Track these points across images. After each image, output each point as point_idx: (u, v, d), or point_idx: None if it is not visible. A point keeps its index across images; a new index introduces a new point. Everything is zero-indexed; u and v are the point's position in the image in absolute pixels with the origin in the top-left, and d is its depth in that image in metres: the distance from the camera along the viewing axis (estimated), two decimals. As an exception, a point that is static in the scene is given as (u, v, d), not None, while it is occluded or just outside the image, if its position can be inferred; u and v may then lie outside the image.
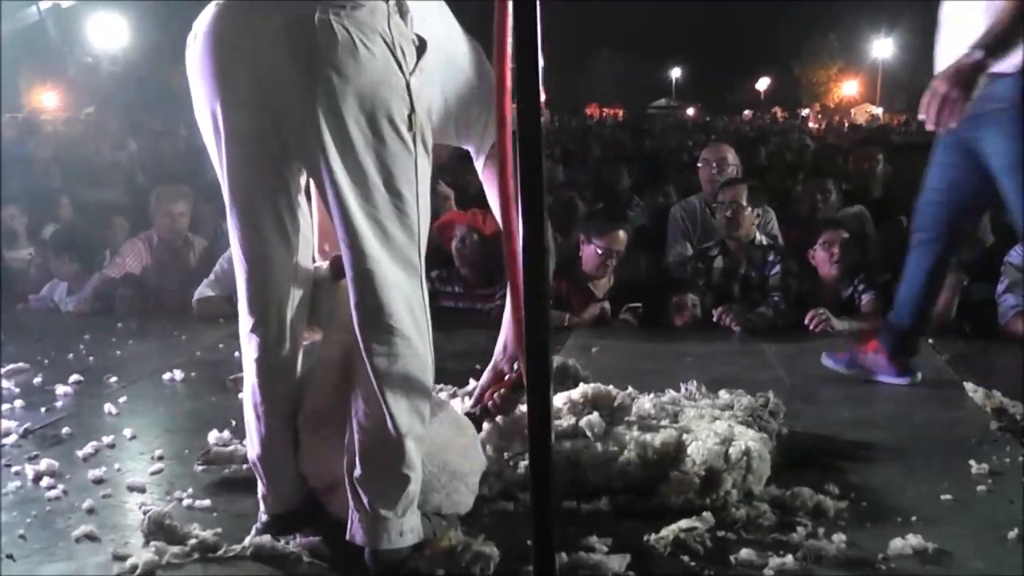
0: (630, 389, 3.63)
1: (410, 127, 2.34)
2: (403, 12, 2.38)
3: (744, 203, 5.47)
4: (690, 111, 54.20)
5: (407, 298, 2.41)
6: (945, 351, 4.76)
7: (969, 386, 4.05)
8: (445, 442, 2.75)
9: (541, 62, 1.97)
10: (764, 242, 5.61)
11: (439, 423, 2.74)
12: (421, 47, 2.39)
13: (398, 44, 2.32)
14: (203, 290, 5.72)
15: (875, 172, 6.93)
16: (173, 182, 6.76)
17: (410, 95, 2.33)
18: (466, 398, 3.32)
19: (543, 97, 2.01)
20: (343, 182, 2.31)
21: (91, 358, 4.85)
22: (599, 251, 5.38)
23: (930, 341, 4.91)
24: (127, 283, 6.04)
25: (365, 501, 2.45)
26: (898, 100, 53.17)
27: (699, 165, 6.38)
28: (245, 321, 2.60)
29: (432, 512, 2.66)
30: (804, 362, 4.59)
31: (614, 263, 5.46)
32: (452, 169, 7.23)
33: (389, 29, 2.31)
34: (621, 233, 5.47)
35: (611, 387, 3.37)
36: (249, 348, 2.62)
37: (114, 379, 4.41)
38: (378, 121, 2.30)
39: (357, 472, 2.46)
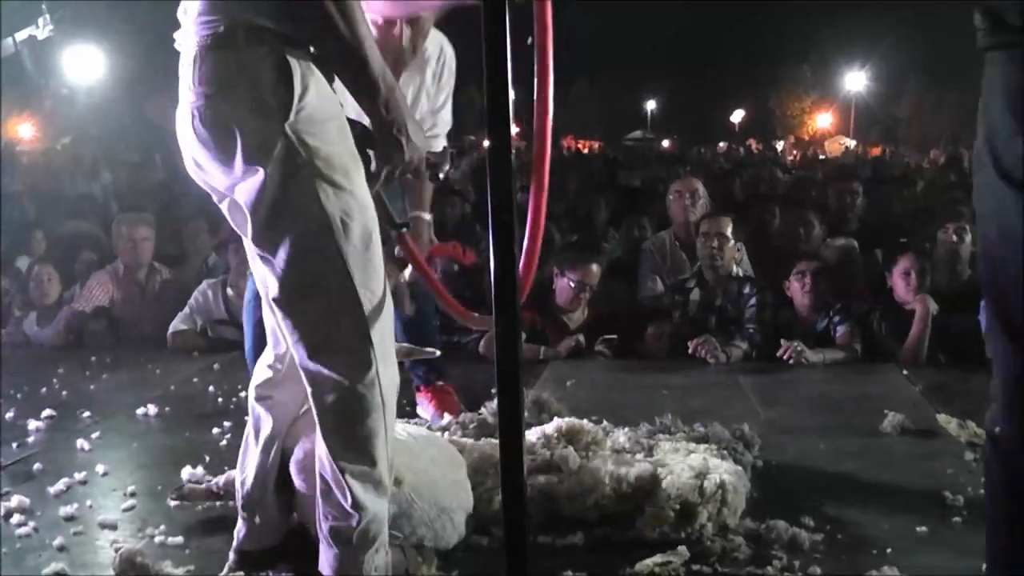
0: (605, 423, 3.64)
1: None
2: None
3: (728, 234, 5.51)
4: (665, 143, 54.43)
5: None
6: (919, 382, 4.78)
7: (943, 417, 4.07)
8: (437, 477, 2.75)
9: (513, 95, 1.98)
10: (740, 274, 5.64)
11: (431, 459, 2.74)
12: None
13: None
14: (177, 324, 5.70)
15: (855, 205, 6.99)
16: (145, 211, 6.75)
17: None
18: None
19: (517, 129, 2.01)
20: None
21: (64, 392, 4.81)
22: (572, 284, 5.38)
23: (904, 372, 4.94)
24: (98, 316, 6.00)
25: (325, 538, 2.45)
26: (872, 132, 53.62)
27: (670, 197, 6.40)
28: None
29: (416, 544, 2.65)
30: (779, 394, 4.61)
31: (587, 296, 5.47)
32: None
33: None
34: (594, 267, 5.49)
35: (585, 421, 3.38)
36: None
37: (87, 414, 4.38)
38: None
39: (318, 509, 2.46)
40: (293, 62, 2.29)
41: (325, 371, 2.36)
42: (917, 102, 52.04)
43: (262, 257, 2.38)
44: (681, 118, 68.65)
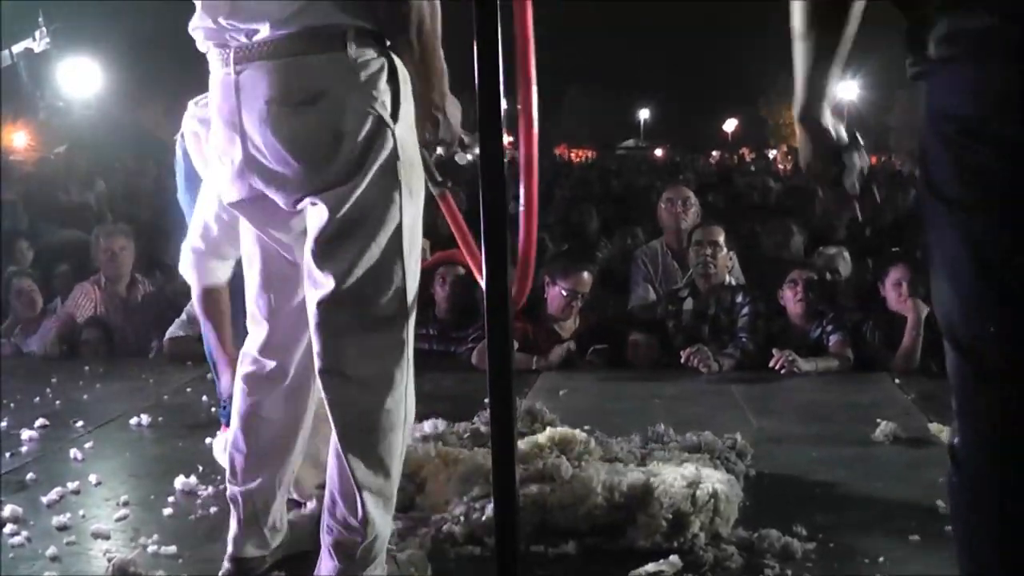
0: (597, 432, 3.64)
1: None
2: None
3: (722, 243, 5.52)
4: (658, 151, 54.49)
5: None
6: (912, 390, 4.79)
7: (935, 426, 4.07)
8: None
9: (505, 105, 1.99)
10: (733, 283, 5.65)
11: None
12: None
13: None
14: (174, 330, 5.68)
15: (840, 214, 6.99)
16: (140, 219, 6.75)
17: None
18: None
19: (509, 139, 2.02)
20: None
21: (57, 402, 4.81)
22: (564, 293, 5.38)
23: (896, 381, 4.95)
24: (91, 325, 5.99)
25: (328, 549, 2.45)
26: (864, 141, 53.71)
27: (662, 205, 6.41)
28: None
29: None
30: (772, 403, 4.62)
31: (579, 305, 5.45)
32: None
33: None
34: (586, 275, 5.47)
35: (578, 431, 3.38)
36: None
37: (80, 423, 4.37)
38: None
39: (323, 521, 2.46)
40: (398, 64, 2.33)
41: (355, 384, 2.35)
42: (908, 111, 52.18)
43: (321, 260, 2.35)
44: (674, 127, 68.76)
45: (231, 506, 2.71)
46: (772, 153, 47.49)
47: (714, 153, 49.91)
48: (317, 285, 2.36)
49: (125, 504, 3.35)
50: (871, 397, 4.70)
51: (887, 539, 2.97)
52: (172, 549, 2.94)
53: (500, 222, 1.99)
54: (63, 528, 3.12)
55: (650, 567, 2.70)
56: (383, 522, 2.43)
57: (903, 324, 5.27)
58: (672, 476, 3.06)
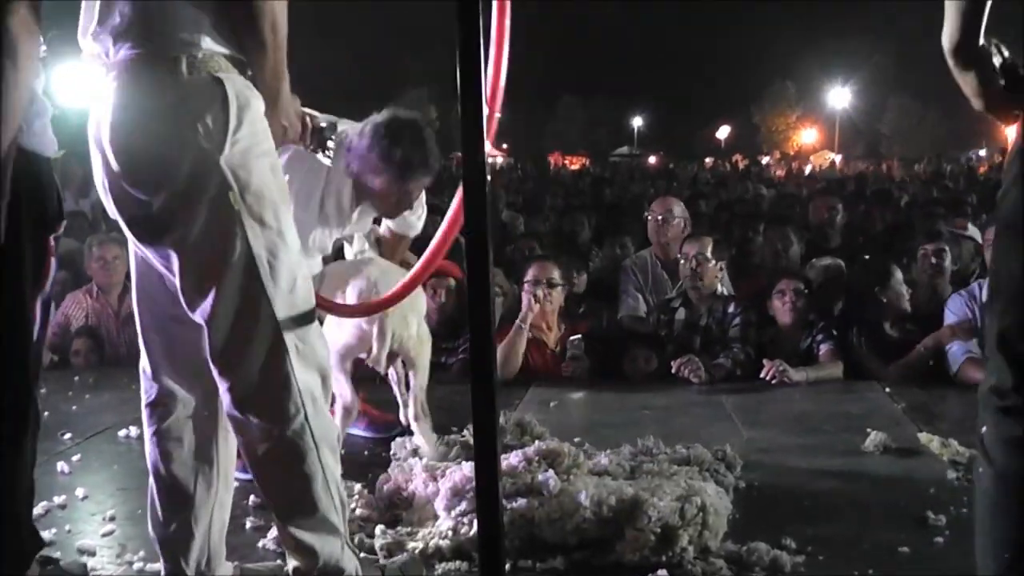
0: (587, 445, 3.62)
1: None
2: None
3: (709, 255, 5.51)
4: (652, 159, 54.57)
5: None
6: (902, 400, 4.78)
7: (924, 436, 4.07)
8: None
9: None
10: (724, 293, 5.65)
11: None
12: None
13: None
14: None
15: (834, 221, 7.01)
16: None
17: None
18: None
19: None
20: None
21: (46, 413, 4.75)
22: (527, 285, 5.31)
23: (887, 390, 4.95)
24: (81, 335, 5.96)
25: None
26: (856, 147, 53.92)
27: (649, 218, 6.41)
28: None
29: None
30: (762, 414, 4.61)
31: (549, 296, 5.28)
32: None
33: None
34: (547, 264, 5.40)
35: (567, 444, 3.37)
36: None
37: (68, 435, 4.35)
38: None
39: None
40: (231, 92, 2.26)
41: (254, 420, 2.32)
42: (900, 118, 52.36)
43: (187, 303, 2.33)
44: (667, 134, 68.94)
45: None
46: (765, 159, 47.65)
47: (707, 160, 49.97)
48: (197, 329, 2.36)
49: (112, 519, 3.33)
50: (861, 407, 4.69)
51: (876, 551, 2.96)
52: (158, 567, 2.90)
53: (482, 233, 1.95)
54: (49, 543, 3.09)
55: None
56: (328, 545, 2.41)
57: (894, 333, 5.30)
58: (661, 490, 3.05)
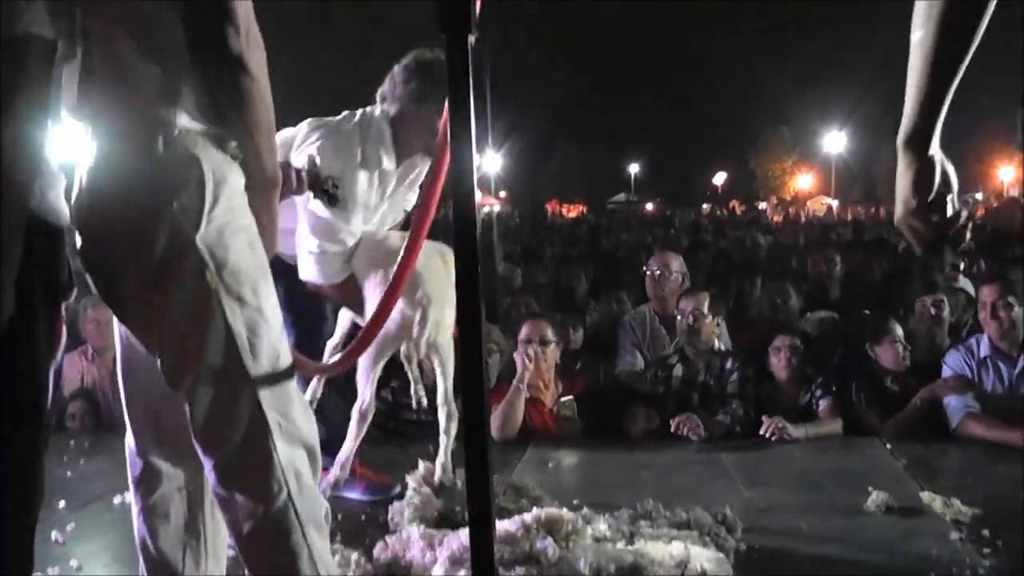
0: (585, 510, 3.59)
1: None
2: None
3: (706, 311, 5.51)
4: (649, 206, 54.83)
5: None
6: (902, 456, 4.75)
7: (927, 495, 4.04)
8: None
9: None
10: (722, 348, 5.64)
11: None
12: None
13: None
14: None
15: (833, 273, 7.02)
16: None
17: None
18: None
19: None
20: None
21: (40, 480, 4.73)
22: (520, 345, 5.30)
23: (887, 446, 4.92)
24: (76, 398, 5.91)
25: None
26: (851, 192, 54.15)
27: (647, 273, 6.41)
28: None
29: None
30: (762, 472, 4.58)
31: (543, 354, 5.27)
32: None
33: None
34: (540, 322, 5.40)
35: (564, 510, 3.34)
36: None
37: (63, 503, 4.30)
38: None
39: None
40: (207, 169, 2.24)
41: (237, 497, 2.29)
42: (894, 162, 52.58)
43: (167, 375, 2.32)
44: (664, 180, 69.31)
45: None
46: (762, 205, 47.85)
47: (704, 206, 50.19)
48: (181, 404, 2.34)
49: (106, 591, 3.30)
50: (862, 464, 4.66)
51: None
52: (152, 640, 2.88)
53: (472, 279, 1.90)
54: (42, 617, 3.07)
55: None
56: None
57: (892, 388, 5.28)
58: (660, 555, 3.03)
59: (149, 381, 2.46)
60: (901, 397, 5.30)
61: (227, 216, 2.27)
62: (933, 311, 5.67)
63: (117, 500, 4.35)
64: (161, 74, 2.25)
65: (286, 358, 2.38)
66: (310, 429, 2.40)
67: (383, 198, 3.88)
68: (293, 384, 2.40)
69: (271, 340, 2.32)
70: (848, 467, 4.62)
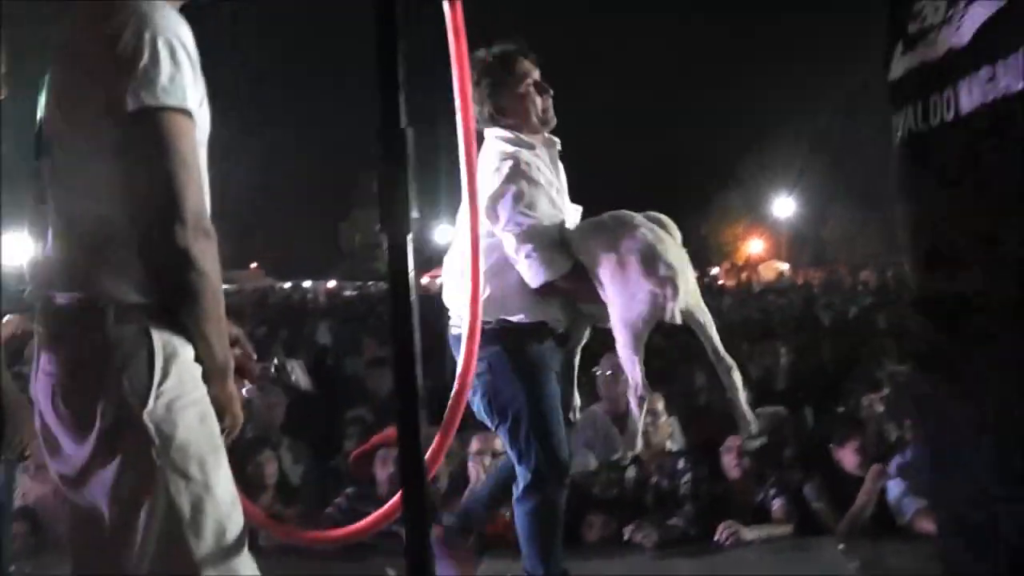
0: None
1: None
2: None
3: (661, 410, 5.50)
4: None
5: None
6: (856, 556, 4.73)
7: (879, 600, 4.03)
8: None
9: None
10: (673, 449, 5.62)
11: None
12: None
13: None
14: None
15: (778, 366, 7.04)
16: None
17: None
18: None
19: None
20: None
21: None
22: (471, 456, 5.26)
23: (840, 546, 4.90)
24: (18, 518, 5.73)
25: None
26: (803, 255, 54.68)
27: (596, 373, 6.38)
28: None
29: None
30: (718, 579, 4.55)
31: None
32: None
33: None
34: (487, 434, 5.26)
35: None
36: None
37: (1, 641, 4.18)
38: None
39: None
40: (157, 344, 2.24)
41: None
42: (842, 226, 53.28)
43: (111, 544, 2.27)
44: (617, 248, 69.57)
45: None
46: (715, 271, 48.21)
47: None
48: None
49: None
50: (815, 567, 4.64)
51: None
52: None
53: (413, 401, 1.83)
54: None
55: None
56: None
57: (847, 484, 5.27)
58: None
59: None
60: (855, 495, 5.27)
61: (177, 390, 2.26)
62: (879, 408, 5.70)
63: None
64: (112, 248, 2.25)
65: (235, 530, 2.33)
66: None
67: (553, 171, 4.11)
68: (242, 557, 2.35)
69: (218, 516, 2.29)
70: (801, 571, 4.61)
